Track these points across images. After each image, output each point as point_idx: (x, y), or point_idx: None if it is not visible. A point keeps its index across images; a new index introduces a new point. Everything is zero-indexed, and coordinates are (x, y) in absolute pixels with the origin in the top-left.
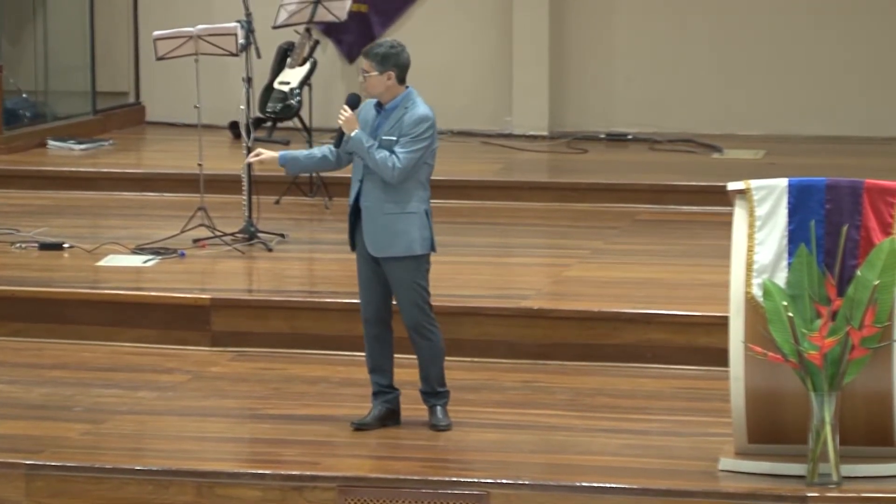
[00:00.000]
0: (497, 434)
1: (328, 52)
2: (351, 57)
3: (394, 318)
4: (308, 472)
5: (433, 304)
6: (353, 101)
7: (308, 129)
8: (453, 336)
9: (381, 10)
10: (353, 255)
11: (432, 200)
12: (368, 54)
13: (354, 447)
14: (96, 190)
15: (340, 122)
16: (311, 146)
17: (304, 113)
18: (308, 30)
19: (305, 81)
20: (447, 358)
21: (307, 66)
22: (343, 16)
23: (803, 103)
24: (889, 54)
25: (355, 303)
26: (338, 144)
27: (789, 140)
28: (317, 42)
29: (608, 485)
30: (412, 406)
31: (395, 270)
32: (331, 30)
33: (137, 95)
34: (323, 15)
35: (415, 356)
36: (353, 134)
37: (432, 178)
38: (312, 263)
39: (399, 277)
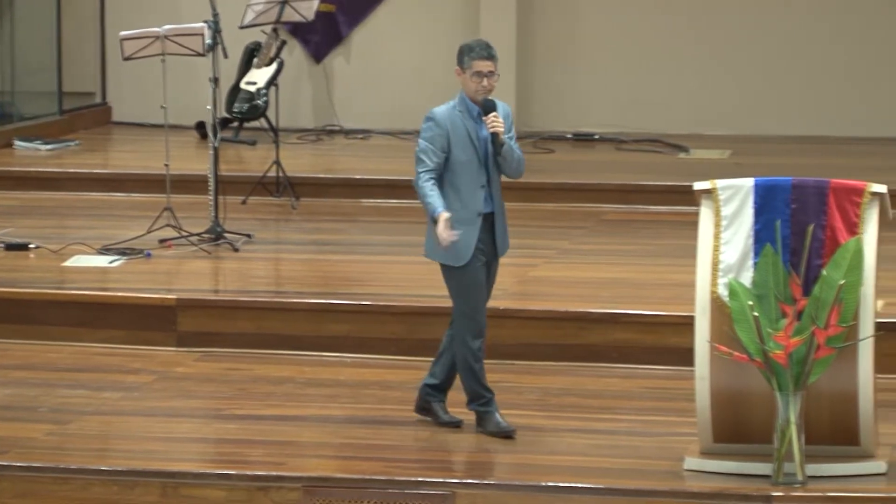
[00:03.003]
0: (464, 434)
1: (295, 53)
2: (318, 57)
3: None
4: (274, 473)
5: (404, 304)
6: (493, 106)
7: (275, 130)
8: (421, 336)
9: (348, 11)
10: (318, 256)
11: (401, 201)
12: (493, 56)
13: (320, 447)
14: (62, 190)
15: (500, 129)
16: (277, 146)
17: (270, 113)
18: (275, 30)
19: (272, 82)
20: (421, 359)
21: (274, 66)
22: (310, 16)
23: (769, 103)
24: (855, 54)
25: (321, 303)
26: (498, 151)
27: (755, 140)
28: (284, 42)
29: (575, 484)
30: (380, 406)
31: (497, 268)
32: (298, 30)
33: (104, 96)
34: (290, 15)
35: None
36: (505, 138)
37: (400, 178)
38: (279, 264)
39: (497, 274)
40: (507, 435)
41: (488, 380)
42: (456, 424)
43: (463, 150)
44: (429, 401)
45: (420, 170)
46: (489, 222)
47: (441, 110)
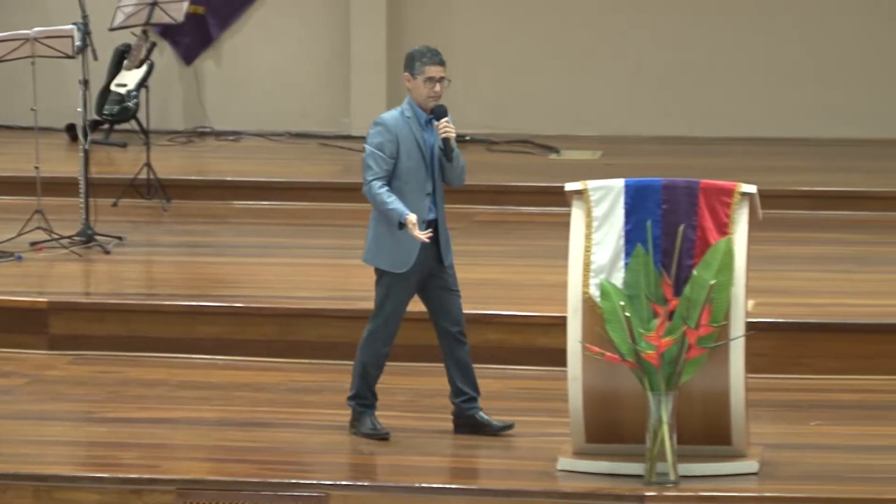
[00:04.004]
0: (336, 435)
1: (165, 54)
2: (188, 59)
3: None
4: (146, 476)
5: (276, 306)
6: (445, 112)
7: (145, 131)
8: (293, 338)
9: (218, 12)
10: (189, 258)
11: (271, 203)
12: (444, 61)
13: (193, 450)
14: None
15: (452, 135)
16: (148, 148)
17: (141, 115)
18: (145, 31)
19: (142, 83)
20: (293, 361)
21: (144, 67)
22: (180, 17)
23: (639, 104)
24: (723, 54)
25: (193, 305)
26: (449, 157)
27: (626, 140)
28: (153, 44)
29: (447, 485)
30: (252, 408)
31: (453, 273)
32: (167, 32)
33: None
34: (160, 17)
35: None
36: (454, 144)
37: (271, 180)
38: (150, 266)
39: (455, 280)
40: (381, 437)
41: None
42: (509, 427)
43: (411, 156)
44: (472, 415)
45: (370, 177)
46: (433, 230)
47: (390, 116)
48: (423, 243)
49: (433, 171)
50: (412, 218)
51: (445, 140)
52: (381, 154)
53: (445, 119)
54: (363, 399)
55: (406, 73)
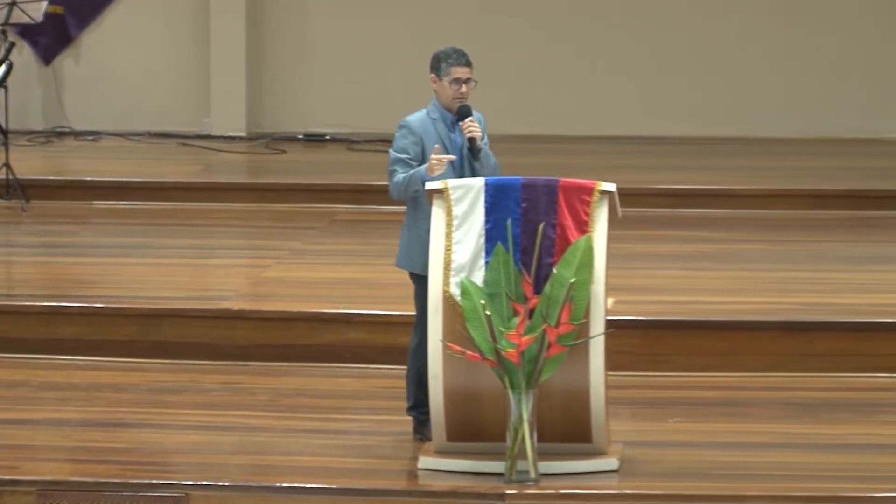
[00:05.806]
0: (197, 435)
1: (24, 54)
2: (47, 59)
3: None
4: (7, 477)
5: (137, 306)
6: (469, 112)
7: (4, 132)
8: (153, 338)
9: (77, 12)
10: (49, 258)
11: (131, 203)
12: (470, 62)
13: (54, 451)
14: None
15: (477, 134)
16: (7, 148)
17: None
18: (3, 31)
19: (1, 83)
20: (154, 361)
21: (2, 67)
22: (39, 17)
23: (499, 102)
24: (582, 52)
25: (53, 305)
26: (476, 156)
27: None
28: (12, 44)
29: (309, 485)
30: (113, 408)
31: None
32: (26, 31)
33: None
34: (18, 17)
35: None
36: (482, 143)
37: (131, 180)
38: (9, 266)
39: None
40: None
41: (220, 381)
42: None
43: None
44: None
45: (392, 179)
46: None
47: (414, 118)
48: None
49: (463, 171)
50: (435, 151)
51: (471, 139)
52: (403, 158)
53: (470, 118)
54: (423, 406)
55: (432, 75)
